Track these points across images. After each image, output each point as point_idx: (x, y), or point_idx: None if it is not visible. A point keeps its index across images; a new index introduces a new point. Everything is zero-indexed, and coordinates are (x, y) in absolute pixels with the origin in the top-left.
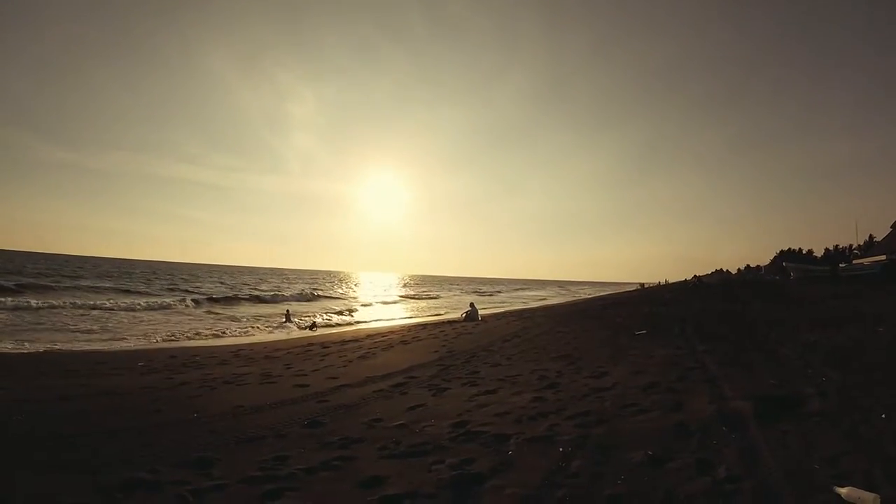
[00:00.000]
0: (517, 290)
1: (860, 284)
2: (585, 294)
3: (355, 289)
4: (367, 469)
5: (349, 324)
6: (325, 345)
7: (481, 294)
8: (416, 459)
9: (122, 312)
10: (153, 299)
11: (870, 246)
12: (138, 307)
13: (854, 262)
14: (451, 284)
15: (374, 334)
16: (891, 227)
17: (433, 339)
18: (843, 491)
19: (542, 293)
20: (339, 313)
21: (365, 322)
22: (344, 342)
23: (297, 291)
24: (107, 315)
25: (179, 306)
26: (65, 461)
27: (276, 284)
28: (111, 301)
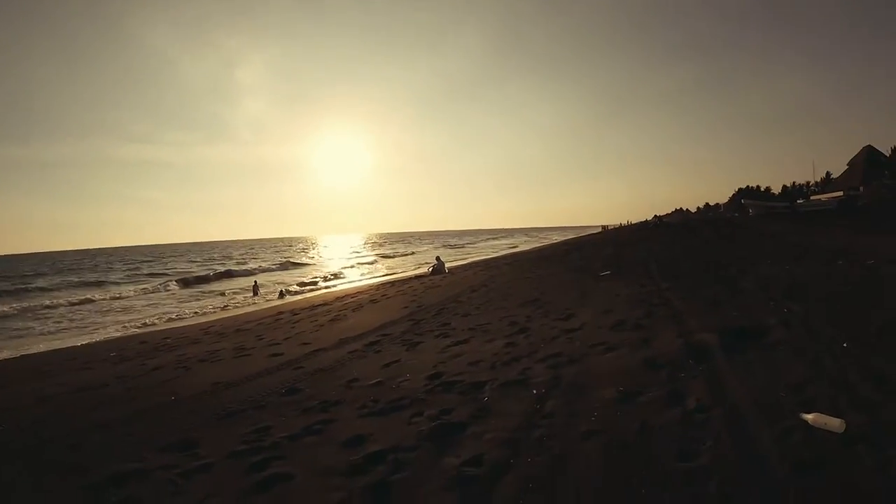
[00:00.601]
0: (486, 240)
1: (818, 219)
2: (551, 239)
3: (322, 253)
4: (349, 429)
5: (318, 288)
6: (296, 311)
7: (450, 247)
8: (396, 414)
9: (88, 305)
10: (118, 287)
11: (827, 183)
12: (102, 298)
13: (812, 198)
14: (420, 240)
15: (344, 296)
16: (847, 165)
17: (402, 295)
18: (809, 417)
19: (509, 241)
20: (309, 280)
21: (334, 285)
22: (314, 307)
23: (264, 263)
24: (72, 310)
25: (146, 290)
26: (50, 464)
27: (241, 257)
28: (76, 296)
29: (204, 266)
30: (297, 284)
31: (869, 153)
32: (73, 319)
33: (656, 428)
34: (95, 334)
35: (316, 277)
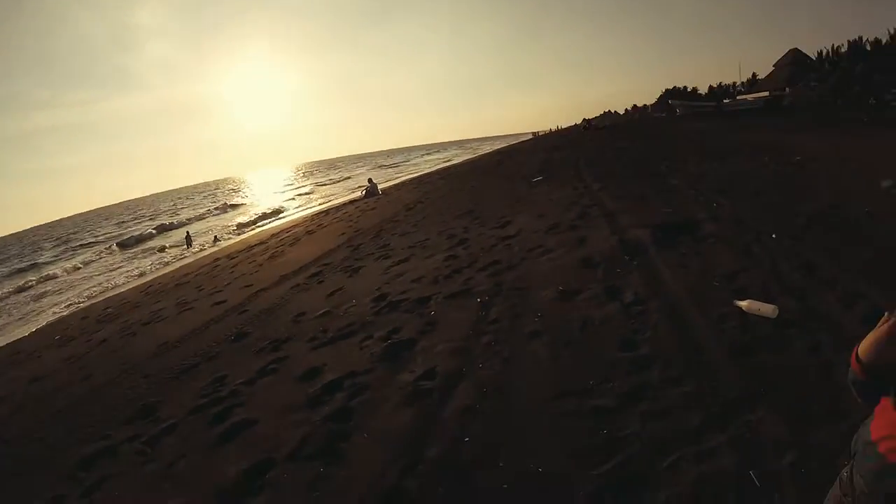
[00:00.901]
0: (421, 156)
1: (744, 118)
2: (484, 150)
3: (255, 191)
4: (303, 363)
5: (256, 227)
6: (232, 256)
7: (383, 168)
8: (346, 341)
9: (24, 293)
10: (52, 267)
11: (753, 83)
12: (35, 282)
13: (738, 98)
14: (353, 164)
15: (279, 232)
16: (773, 67)
17: (338, 222)
18: (743, 304)
19: (443, 156)
20: (246, 220)
21: (270, 221)
22: (250, 248)
23: (198, 210)
24: (7, 303)
25: (83, 263)
26: (19, 461)
27: (172, 209)
28: (8, 286)
29: (135, 226)
30: (236, 226)
31: (795, 56)
32: (11, 312)
33: (597, 322)
34: (36, 321)
35: (253, 216)
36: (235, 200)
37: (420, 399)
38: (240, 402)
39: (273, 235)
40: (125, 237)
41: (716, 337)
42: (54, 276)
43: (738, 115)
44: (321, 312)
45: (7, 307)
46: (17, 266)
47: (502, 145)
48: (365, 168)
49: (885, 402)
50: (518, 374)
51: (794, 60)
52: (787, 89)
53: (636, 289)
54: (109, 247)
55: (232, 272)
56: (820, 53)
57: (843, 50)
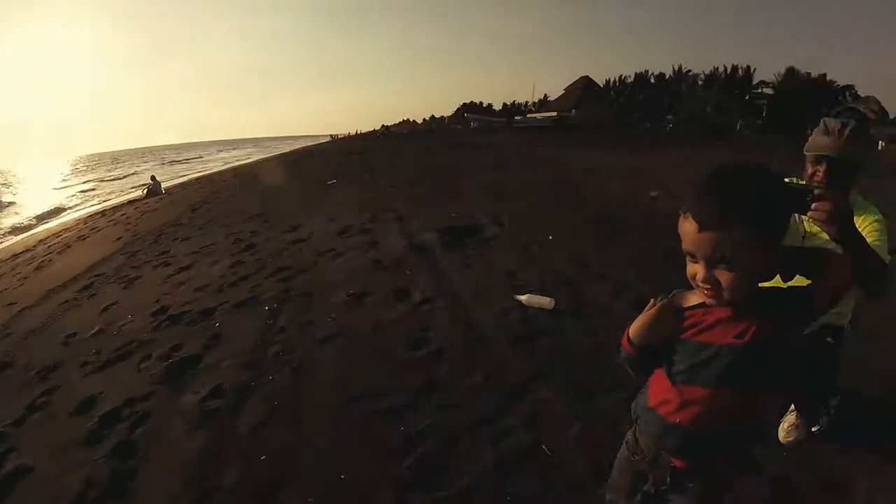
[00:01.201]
0: (215, 153)
1: (533, 134)
2: (282, 150)
3: (26, 187)
4: (76, 393)
5: (15, 232)
6: None
7: (173, 163)
8: (123, 363)
9: None
10: None
11: (544, 103)
12: None
13: (528, 115)
14: (140, 158)
15: (48, 237)
16: (564, 90)
17: (114, 225)
18: (522, 298)
19: (237, 153)
20: (17, 223)
21: (34, 225)
22: (15, 256)
23: None
24: None
25: None
26: None
27: None
28: None
29: None
30: (10, 229)
31: (585, 82)
32: None
33: (388, 323)
34: None
35: (30, 217)
36: (8, 198)
37: (209, 420)
38: (11, 446)
39: (41, 241)
40: None
41: (500, 329)
42: None
43: (528, 131)
44: (94, 331)
45: None
46: None
47: (300, 146)
48: (150, 164)
49: (658, 372)
50: (310, 382)
51: (583, 86)
52: (574, 111)
53: (424, 289)
54: None
55: None
56: (608, 81)
57: (629, 80)
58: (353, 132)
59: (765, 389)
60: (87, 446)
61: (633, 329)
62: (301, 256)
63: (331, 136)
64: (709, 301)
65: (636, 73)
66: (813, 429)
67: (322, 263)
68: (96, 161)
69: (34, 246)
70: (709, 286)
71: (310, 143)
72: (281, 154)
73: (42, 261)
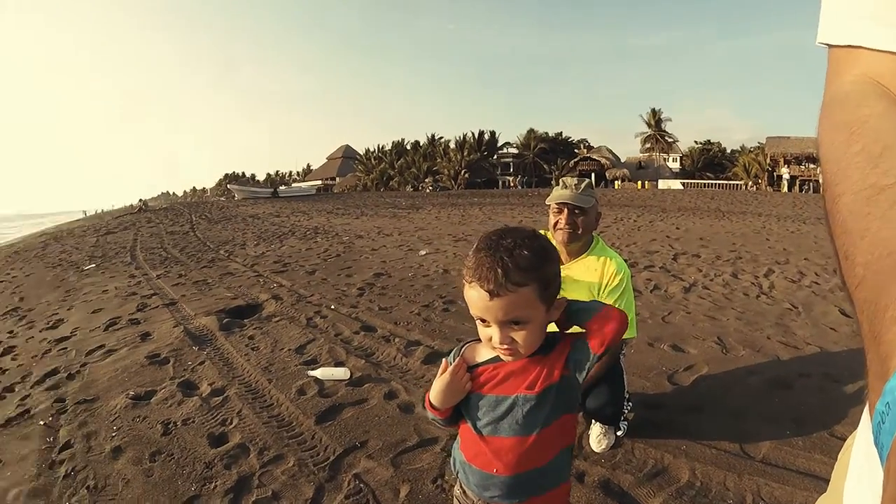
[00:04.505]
0: None
1: (299, 203)
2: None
3: None
4: None
5: None
6: None
7: None
8: None
9: None
10: None
11: (308, 173)
12: None
13: (293, 185)
14: None
15: None
16: (326, 159)
17: None
18: (317, 373)
19: None
20: None
21: None
22: None
23: None
24: None
25: None
26: None
27: None
28: None
29: None
30: None
31: (346, 150)
32: None
33: (180, 423)
34: None
35: None
36: None
37: None
38: None
39: None
40: None
41: (301, 409)
42: None
43: (293, 200)
44: None
45: None
46: None
47: (45, 226)
48: None
49: (464, 425)
50: (111, 500)
51: (344, 154)
52: (338, 178)
53: (211, 379)
54: None
55: None
56: (367, 150)
57: (387, 148)
58: (109, 207)
59: (569, 415)
60: None
61: (433, 395)
62: (68, 357)
63: (83, 212)
64: (507, 358)
65: (393, 142)
66: (618, 433)
67: (93, 363)
68: None
69: None
70: (506, 346)
71: (59, 220)
72: (28, 235)
73: None
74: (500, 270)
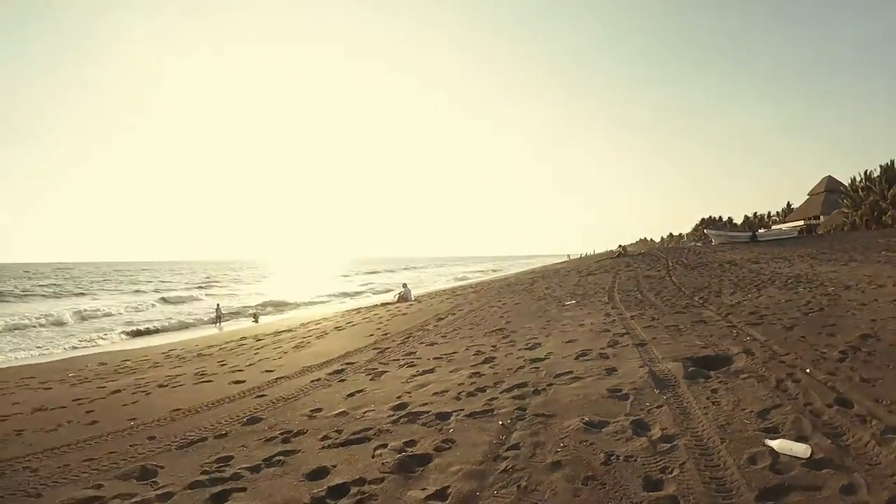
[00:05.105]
0: (453, 266)
1: (778, 248)
2: (516, 269)
3: (300, 278)
4: (312, 461)
5: (280, 311)
6: (259, 337)
7: (417, 270)
8: (360, 446)
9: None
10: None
11: (788, 212)
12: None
13: (773, 227)
14: (430, 266)
15: (308, 322)
16: (808, 195)
17: (367, 322)
18: (774, 444)
19: (475, 269)
20: (274, 304)
21: (295, 310)
22: (278, 333)
23: (232, 285)
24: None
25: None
26: (4, 487)
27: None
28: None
29: (185, 286)
30: (259, 307)
31: (828, 183)
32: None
33: (622, 458)
34: (52, 354)
35: (291, 302)
36: (273, 285)
37: None
38: (241, 486)
39: (302, 325)
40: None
41: (745, 478)
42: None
43: (772, 244)
44: (338, 412)
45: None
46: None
47: (535, 265)
48: (434, 272)
49: None
50: None
51: (827, 187)
52: (822, 217)
53: (664, 424)
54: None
55: (256, 354)
56: (853, 180)
57: (875, 174)
58: (589, 252)
59: None
60: None
61: None
62: (538, 376)
63: (567, 255)
64: None
65: (881, 166)
66: None
67: (558, 386)
68: (363, 264)
69: (296, 327)
70: None
71: (546, 262)
72: (519, 272)
73: (301, 342)
74: None
